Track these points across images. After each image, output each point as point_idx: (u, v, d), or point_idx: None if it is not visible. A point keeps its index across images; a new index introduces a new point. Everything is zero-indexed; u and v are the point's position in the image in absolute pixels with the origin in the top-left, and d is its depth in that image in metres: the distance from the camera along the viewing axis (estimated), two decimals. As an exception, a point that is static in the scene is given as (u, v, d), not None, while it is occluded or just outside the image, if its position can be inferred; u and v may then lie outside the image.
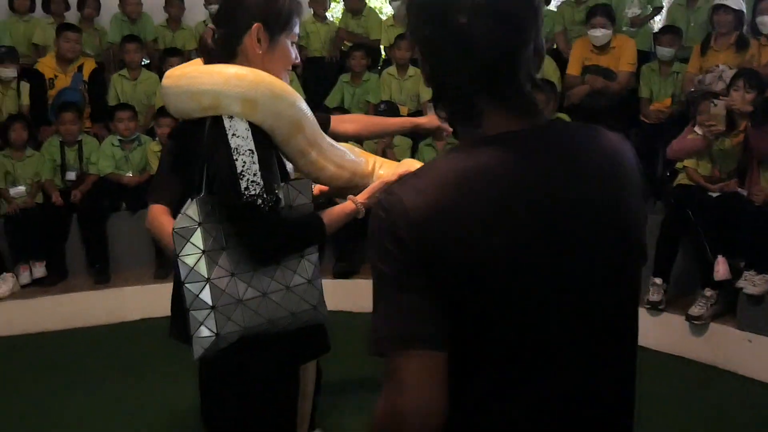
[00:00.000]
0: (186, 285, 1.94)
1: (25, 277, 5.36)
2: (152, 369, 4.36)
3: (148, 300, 5.26)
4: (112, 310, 5.37)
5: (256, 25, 1.99)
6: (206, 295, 1.93)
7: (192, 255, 1.93)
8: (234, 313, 1.97)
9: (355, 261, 5.53)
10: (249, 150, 1.90)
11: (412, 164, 2.26)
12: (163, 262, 5.54)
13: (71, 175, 5.69)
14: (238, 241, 1.96)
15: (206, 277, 1.93)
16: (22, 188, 5.53)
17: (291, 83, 2.10)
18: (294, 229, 2.02)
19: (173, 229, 1.94)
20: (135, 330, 5.14)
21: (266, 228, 1.94)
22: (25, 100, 6.03)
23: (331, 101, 6.35)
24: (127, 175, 5.77)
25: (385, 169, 2.31)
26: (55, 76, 6.15)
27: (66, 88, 6.08)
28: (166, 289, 2.23)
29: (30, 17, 6.65)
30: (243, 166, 1.88)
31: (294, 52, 2.11)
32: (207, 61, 2.05)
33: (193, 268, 1.93)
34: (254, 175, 1.89)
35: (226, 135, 1.90)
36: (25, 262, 5.37)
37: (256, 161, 1.90)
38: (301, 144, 2.04)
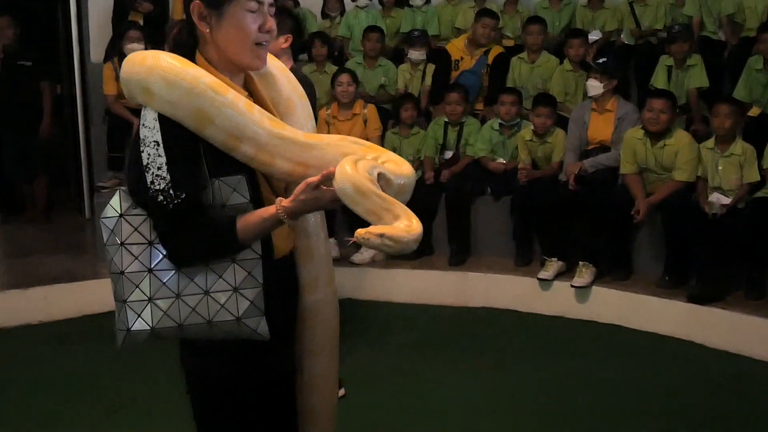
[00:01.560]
0: (111, 274, 1.88)
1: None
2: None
3: (492, 287, 5.25)
4: (458, 294, 5.40)
5: (194, 2, 1.82)
6: (117, 288, 1.85)
7: (113, 246, 1.85)
8: (143, 311, 1.84)
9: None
10: (154, 141, 1.77)
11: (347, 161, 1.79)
12: (524, 251, 5.38)
13: (448, 154, 5.83)
14: None
15: (120, 270, 1.83)
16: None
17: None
18: (200, 231, 1.81)
19: (100, 217, 1.89)
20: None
21: (168, 227, 1.80)
22: (428, 80, 6.32)
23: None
24: (499, 161, 5.67)
25: (390, 165, 1.88)
26: (461, 58, 6.31)
27: (466, 71, 6.21)
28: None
29: (458, 1, 6.89)
30: (148, 159, 1.77)
31: (258, 21, 1.85)
32: (172, 49, 1.90)
33: (112, 259, 1.85)
34: (158, 168, 1.76)
35: (140, 125, 1.80)
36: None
37: (162, 154, 1.76)
38: (217, 137, 1.79)
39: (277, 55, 3.74)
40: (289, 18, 3.83)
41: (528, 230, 5.39)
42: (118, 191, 1.88)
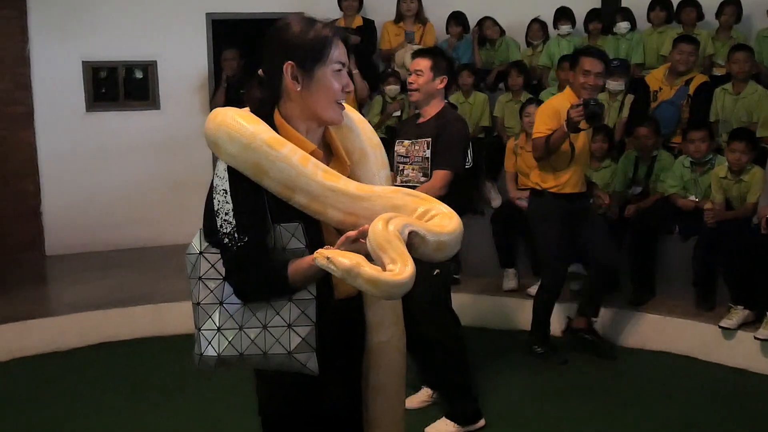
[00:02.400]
0: (192, 304, 2.12)
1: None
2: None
3: (671, 331, 5.02)
4: (635, 335, 5.17)
5: (287, 63, 2.02)
6: (196, 317, 2.08)
7: (193, 279, 2.08)
8: (213, 339, 2.06)
9: None
10: (223, 190, 1.98)
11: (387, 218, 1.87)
12: (707, 296, 5.08)
13: (636, 190, 5.61)
14: None
15: (197, 301, 2.06)
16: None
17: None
18: (257, 272, 1.98)
19: (186, 253, 2.13)
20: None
21: (232, 265, 2.00)
22: (625, 112, 6.10)
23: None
24: (690, 198, 5.35)
25: (438, 221, 1.97)
26: (660, 89, 6.02)
27: (665, 101, 5.92)
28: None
29: (664, 28, 6.58)
30: (218, 205, 1.98)
31: (341, 81, 2.04)
32: (255, 106, 2.11)
33: (192, 290, 2.09)
34: (226, 214, 1.97)
35: (214, 174, 2.03)
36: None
37: (230, 201, 1.96)
38: (274, 187, 1.97)
39: (432, 96, 3.91)
40: (443, 60, 3.98)
41: (713, 274, 5.04)
42: (199, 231, 2.09)
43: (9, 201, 7.10)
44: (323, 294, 2.01)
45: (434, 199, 2.06)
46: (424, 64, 3.91)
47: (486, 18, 7.23)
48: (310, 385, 2.05)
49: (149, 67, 7.48)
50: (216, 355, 2.00)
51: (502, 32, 7.25)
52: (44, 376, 4.90)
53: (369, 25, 7.27)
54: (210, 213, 2.00)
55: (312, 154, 2.06)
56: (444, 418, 4.01)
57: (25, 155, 7.19)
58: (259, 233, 1.96)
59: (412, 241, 1.87)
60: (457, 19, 7.26)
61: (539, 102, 5.83)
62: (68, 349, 5.30)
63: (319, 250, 1.83)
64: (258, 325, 1.98)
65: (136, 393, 4.56)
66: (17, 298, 5.83)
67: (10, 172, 7.13)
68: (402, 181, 3.91)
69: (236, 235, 1.95)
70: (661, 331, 5.10)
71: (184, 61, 7.56)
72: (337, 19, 7.24)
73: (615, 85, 6.10)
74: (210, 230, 2.02)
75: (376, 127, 6.74)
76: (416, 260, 3.82)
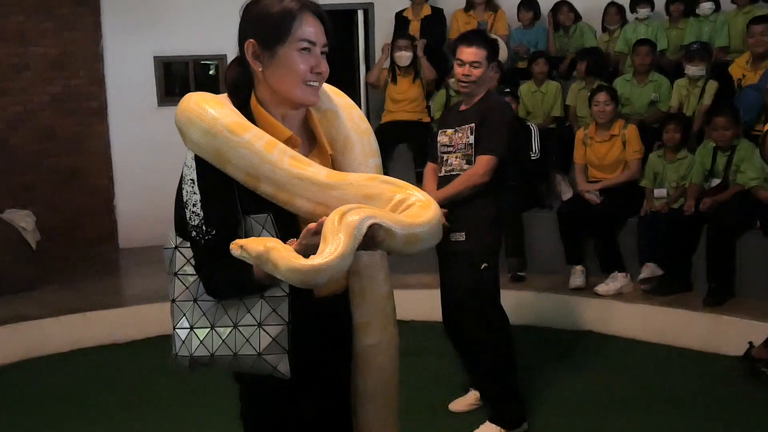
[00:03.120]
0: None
1: (645, 272, 5.24)
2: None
3: (751, 335, 4.52)
4: (708, 339, 4.81)
5: (248, 42, 1.89)
6: (172, 315, 1.97)
7: (169, 275, 1.98)
8: (186, 338, 1.94)
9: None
10: (191, 179, 1.86)
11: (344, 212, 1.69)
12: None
13: (715, 182, 5.22)
14: None
15: (172, 298, 1.95)
16: (664, 191, 5.37)
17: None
18: (224, 267, 1.83)
19: (163, 247, 2.02)
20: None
21: (200, 260, 1.88)
22: (706, 99, 5.70)
23: None
24: (773, 190, 4.93)
25: (412, 211, 1.79)
26: (743, 76, 5.59)
27: (748, 86, 5.48)
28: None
29: (750, 8, 6.12)
30: (186, 196, 1.86)
31: (309, 62, 1.87)
32: (230, 94, 1.97)
33: (169, 287, 1.99)
34: (194, 205, 1.85)
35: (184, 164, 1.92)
36: (647, 261, 5.26)
37: (197, 191, 1.84)
38: (238, 176, 1.82)
39: (484, 85, 3.67)
40: (493, 45, 3.79)
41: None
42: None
43: (84, 195, 7.27)
44: (300, 291, 1.85)
45: (413, 187, 1.87)
46: (480, 54, 3.66)
47: (562, 3, 6.91)
48: (290, 388, 1.90)
49: (219, 62, 7.50)
50: (188, 355, 1.88)
51: (578, 18, 6.92)
52: (106, 365, 4.95)
53: (438, 13, 7.07)
54: (179, 204, 1.88)
55: (288, 140, 1.90)
56: (487, 422, 3.80)
57: (98, 150, 7.35)
58: (228, 225, 1.83)
59: (375, 235, 1.69)
60: (528, 4, 6.96)
61: (610, 90, 5.52)
62: (128, 341, 5.34)
63: (236, 240, 1.68)
64: (229, 323, 1.85)
65: (188, 384, 4.51)
66: (87, 290, 5.94)
67: (85, 167, 7.30)
68: (446, 171, 3.77)
69: (204, 227, 1.83)
70: (738, 336, 4.69)
71: (251, 55, 7.53)
72: (404, 9, 7.08)
73: (694, 70, 5.72)
74: (180, 223, 1.89)
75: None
76: (463, 257, 3.56)
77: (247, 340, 1.82)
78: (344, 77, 7.78)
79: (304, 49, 1.85)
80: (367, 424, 2.10)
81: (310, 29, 1.87)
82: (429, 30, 6.94)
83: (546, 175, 6.12)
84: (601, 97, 5.40)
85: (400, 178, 5.61)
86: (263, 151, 1.80)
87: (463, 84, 3.71)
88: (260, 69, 1.88)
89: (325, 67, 1.90)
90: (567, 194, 5.93)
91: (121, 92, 7.32)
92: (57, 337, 5.28)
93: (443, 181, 3.75)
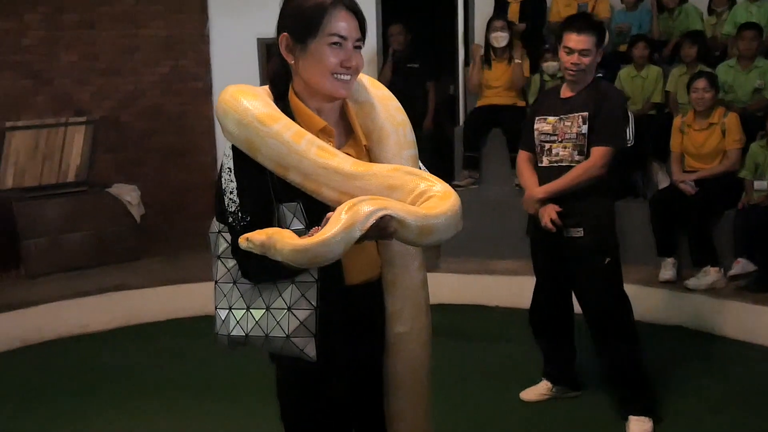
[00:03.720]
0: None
1: (736, 268, 5.05)
2: None
3: None
4: None
5: (282, 35, 1.96)
6: (214, 295, 2.08)
7: (214, 257, 2.08)
8: (226, 318, 2.03)
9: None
10: (228, 168, 1.95)
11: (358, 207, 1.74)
12: None
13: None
14: None
15: (215, 279, 2.06)
16: (765, 183, 5.13)
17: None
18: (257, 255, 1.91)
19: (209, 231, 2.12)
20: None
21: (235, 245, 1.95)
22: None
23: None
24: None
25: (430, 203, 1.83)
26: None
27: None
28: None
29: None
30: (224, 184, 1.95)
31: (339, 56, 1.92)
32: (271, 85, 2.05)
33: (212, 268, 2.10)
34: (231, 192, 1.94)
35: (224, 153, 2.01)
36: (740, 257, 5.06)
37: (234, 179, 1.93)
38: (268, 165, 1.90)
39: (591, 72, 3.49)
40: (601, 29, 3.70)
41: None
42: None
43: (188, 172, 7.58)
44: (331, 278, 1.92)
45: (435, 178, 1.90)
46: (590, 42, 3.48)
47: None
48: (320, 371, 1.97)
49: (320, 44, 7.61)
50: (227, 334, 1.99)
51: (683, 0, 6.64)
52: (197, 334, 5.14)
53: (538, -5, 6.95)
54: (219, 192, 1.97)
55: (322, 131, 1.97)
56: (633, 418, 3.68)
57: (203, 129, 7.63)
58: (262, 213, 1.91)
59: (387, 226, 1.74)
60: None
61: (710, 76, 5.29)
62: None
63: (245, 234, 1.75)
64: (263, 306, 1.94)
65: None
66: (186, 263, 6.20)
67: (190, 145, 7.61)
68: (550, 162, 3.63)
69: (240, 214, 1.91)
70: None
71: (353, 37, 7.63)
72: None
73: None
74: (220, 209, 1.98)
75: (534, 106, 6.45)
76: (585, 253, 3.63)
77: (278, 322, 1.90)
78: (444, 58, 7.79)
79: (335, 43, 1.90)
80: (398, 410, 2.15)
81: (341, 24, 1.91)
82: (528, 12, 6.84)
83: (642, 164, 5.94)
84: (700, 83, 5.19)
85: (494, 163, 5.70)
86: (291, 141, 1.86)
87: (571, 72, 3.54)
88: (292, 62, 1.95)
89: (355, 62, 1.94)
90: (663, 183, 5.74)
91: (226, 73, 7.54)
92: (154, 306, 5.57)
93: (547, 172, 3.64)
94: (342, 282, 1.97)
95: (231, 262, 2.01)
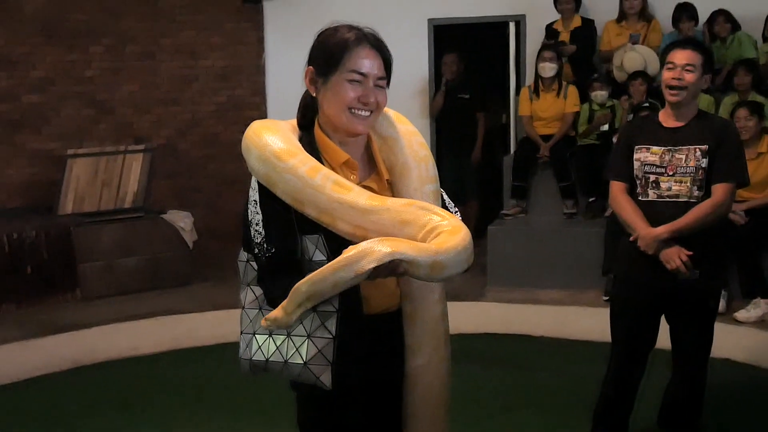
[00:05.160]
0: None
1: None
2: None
3: None
4: None
5: (308, 68, 2.05)
6: (240, 320, 2.14)
7: (242, 285, 2.15)
8: (250, 343, 2.09)
9: None
10: (254, 200, 2.03)
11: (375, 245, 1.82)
12: None
13: None
14: None
15: (242, 305, 2.13)
16: (817, 214, 5.02)
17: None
18: (280, 282, 1.98)
19: (238, 260, 2.19)
20: None
21: (261, 275, 2.05)
22: None
23: None
24: None
25: (440, 238, 1.87)
26: None
27: None
28: None
29: None
30: (251, 216, 2.03)
31: (357, 91, 1.99)
32: (299, 113, 2.13)
33: (240, 295, 2.17)
34: (257, 224, 2.01)
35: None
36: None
37: (259, 212, 2.01)
38: (286, 199, 1.96)
39: (696, 96, 3.39)
40: (710, 56, 3.49)
41: None
42: None
43: (242, 199, 7.65)
44: (351, 308, 1.96)
45: (446, 212, 1.95)
46: (697, 59, 3.26)
47: (718, 12, 6.56)
48: (338, 399, 2.01)
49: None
50: (249, 359, 2.04)
51: (735, 27, 6.53)
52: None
53: (588, 25, 6.94)
54: (245, 223, 2.04)
55: (345, 164, 2.03)
56: None
57: (257, 157, 7.79)
58: (287, 244, 1.97)
59: (398, 268, 1.81)
60: (687, 12, 6.63)
61: (751, 104, 5.22)
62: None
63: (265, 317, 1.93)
64: (284, 332, 1.99)
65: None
66: (233, 291, 6.22)
67: (245, 173, 7.65)
68: (660, 196, 3.33)
69: (265, 245, 1.98)
70: None
71: (406, 66, 7.65)
72: (555, 21, 7.00)
73: None
74: (246, 239, 2.05)
75: (583, 136, 6.42)
76: (698, 295, 3.33)
77: (297, 349, 1.95)
78: (495, 88, 7.83)
79: (355, 79, 1.97)
80: None
81: (363, 61, 1.98)
82: (579, 41, 6.83)
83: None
84: (742, 112, 5.15)
85: (542, 193, 5.67)
86: (306, 176, 1.92)
87: (673, 91, 3.26)
88: (315, 94, 2.02)
89: (374, 98, 1.99)
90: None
91: (280, 103, 7.73)
92: (204, 330, 5.68)
93: (657, 208, 3.33)
94: (361, 311, 2.01)
95: (259, 290, 2.07)
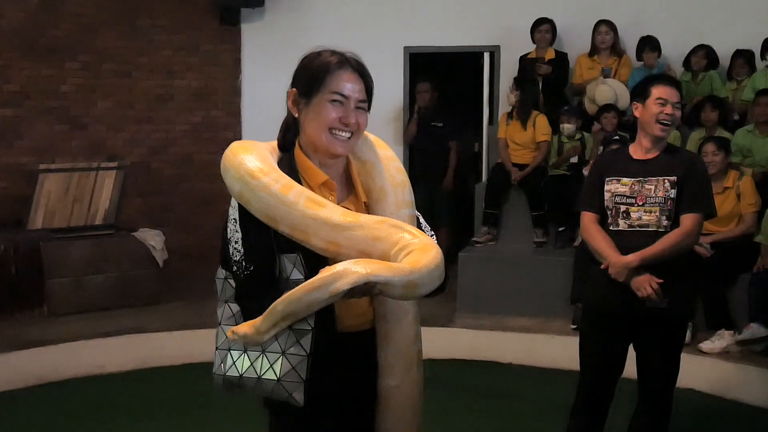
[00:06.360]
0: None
1: (746, 333, 5.02)
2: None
3: None
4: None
5: (290, 90, 2.09)
6: (216, 336, 2.16)
7: (219, 301, 2.17)
8: (224, 359, 2.09)
9: None
10: (234, 219, 2.06)
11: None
12: None
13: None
14: None
15: (219, 321, 2.14)
16: (781, 248, 5.13)
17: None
18: (258, 300, 1.99)
19: (215, 277, 2.20)
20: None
21: (238, 293, 2.07)
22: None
23: None
24: None
25: (410, 257, 1.90)
26: None
27: None
28: None
29: None
30: (230, 233, 2.06)
31: (338, 112, 2.03)
32: (280, 134, 2.17)
33: (217, 311, 2.18)
34: (236, 242, 2.04)
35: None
36: (754, 321, 5.03)
37: (239, 230, 2.03)
38: (260, 217, 1.99)
39: (672, 125, 3.39)
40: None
41: None
42: None
43: (215, 219, 7.58)
44: (324, 324, 1.98)
45: (416, 230, 1.99)
46: (679, 97, 3.37)
47: (700, 47, 6.66)
48: (310, 417, 2.03)
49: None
50: (222, 374, 2.05)
51: (711, 65, 6.68)
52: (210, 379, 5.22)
53: (562, 57, 7.07)
54: (224, 241, 2.06)
55: (324, 184, 2.07)
56: None
57: (230, 178, 7.79)
58: (265, 262, 1.99)
59: (373, 289, 1.84)
60: (650, 43, 6.75)
61: (718, 139, 5.35)
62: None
63: (232, 329, 1.97)
64: (259, 349, 2.00)
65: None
66: (205, 309, 6.04)
67: (218, 193, 7.69)
68: (631, 226, 3.38)
69: (244, 263, 2.00)
70: None
71: (381, 93, 7.61)
72: (529, 53, 7.12)
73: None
74: (224, 257, 2.08)
75: (554, 167, 6.52)
76: (666, 322, 3.35)
77: (271, 365, 1.96)
78: (468, 117, 7.93)
79: (336, 100, 2.01)
80: None
81: (345, 84, 2.03)
82: (551, 73, 6.95)
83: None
84: (709, 147, 5.26)
85: (513, 221, 5.74)
86: (279, 193, 1.95)
87: (664, 127, 3.32)
88: (297, 115, 2.06)
89: (354, 120, 2.04)
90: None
91: (255, 125, 7.74)
92: (172, 349, 5.65)
93: (626, 237, 3.38)
94: (335, 329, 2.03)
95: (236, 307, 2.09)
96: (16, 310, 5.96)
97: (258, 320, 1.91)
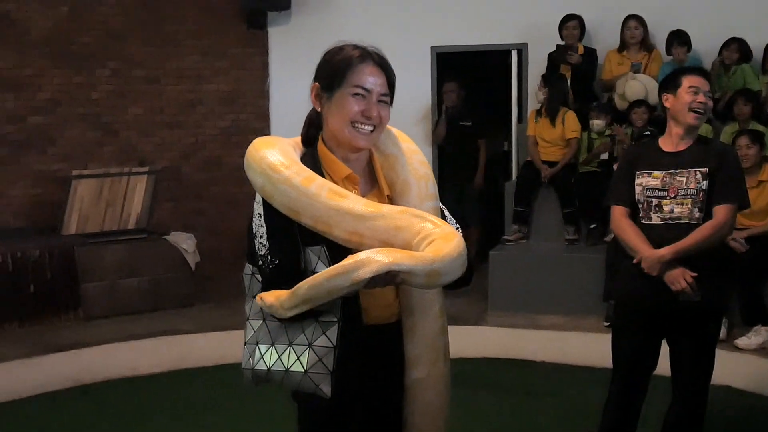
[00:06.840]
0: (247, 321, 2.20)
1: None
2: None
3: None
4: None
5: (313, 84, 2.09)
6: (245, 331, 2.17)
7: (247, 296, 2.18)
8: (253, 353, 2.11)
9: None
10: (258, 214, 2.07)
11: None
12: None
13: None
14: None
15: (247, 317, 2.16)
16: (818, 242, 5.04)
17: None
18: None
19: (243, 273, 2.22)
20: None
21: (265, 285, 2.07)
22: None
23: None
24: None
25: (432, 246, 1.89)
26: None
27: None
28: None
29: None
30: (255, 228, 2.08)
31: (360, 106, 2.04)
32: (303, 129, 2.19)
33: (246, 306, 2.20)
34: (261, 237, 2.06)
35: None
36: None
37: (263, 224, 2.05)
38: (283, 210, 2.00)
39: (706, 114, 3.41)
40: None
41: None
42: None
43: (244, 222, 7.65)
44: (351, 318, 1.99)
45: (438, 220, 1.99)
46: (708, 86, 3.36)
47: (733, 40, 6.55)
48: (337, 409, 2.03)
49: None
50: (251, 368, 2.06)
51: (744, 59, 6.56)
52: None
53: (590, 53, 7.00)
54: (250, 236, 2.07)
55: (347, 178, 2.07)
56: None
57: (260, 180, 7.85)
58: (290, 256, 2.01)
59: (395, 278, 1.84)
60: (679, 38, 6.65)
61: (752, 132, 5.27)
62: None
63: (260, 294, 1.98)
64: (286, 342, 2.02)
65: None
66: (237, 311, 6.20)
67: (247, 196, 7.74)
68: (663, 219, 3.33)
69: (269, 257, 2.01)
70: None
71: (409, 93, 7.75)
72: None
73: None
74: (250, 252, 2.08)
75: (584, 164, 6.46)
76: (701, 316, 3.31)
77: (298, 357, 1.98)
78: (498, 115, 7.90)
79: (358, 94, 2.01)
80: None
81: (367, 77, 2.03)
82: (581, 69, 6.89)
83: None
84: (743, 140, 5.19)
85: (543, 218, 5.69)
86: (300, 185, 1.95)
87: (698, 114, 3.30)
88: (320, 109, 2.06)
89: (376, 113, 2.04)
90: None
91: (284, 127, 7.74)
92: (204, 351, 5.69)
93: (659, 230, 3.34)
94: (361, 322, 2.04)
95: None
96: (51, 314, 6.06)
97: (284, 294, 1.92)
